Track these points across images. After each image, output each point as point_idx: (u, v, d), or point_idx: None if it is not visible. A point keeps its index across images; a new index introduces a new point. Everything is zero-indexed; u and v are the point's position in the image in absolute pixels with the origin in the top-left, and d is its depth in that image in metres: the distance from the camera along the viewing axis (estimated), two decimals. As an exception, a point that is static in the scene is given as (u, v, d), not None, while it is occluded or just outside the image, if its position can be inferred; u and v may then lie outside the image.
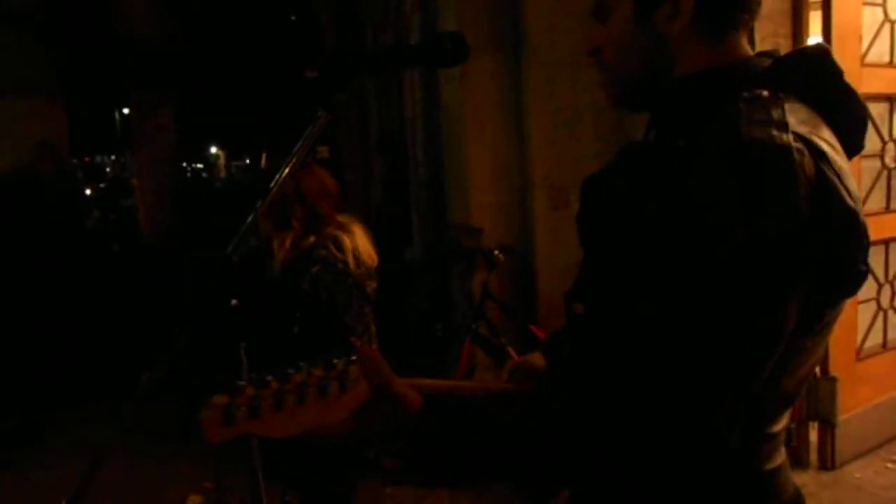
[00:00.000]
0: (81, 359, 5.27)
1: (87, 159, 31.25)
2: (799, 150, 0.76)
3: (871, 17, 3.19)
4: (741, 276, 0.73)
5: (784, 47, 2.87)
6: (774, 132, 0.77)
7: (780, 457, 0.91)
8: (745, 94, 0.82)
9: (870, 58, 3.18)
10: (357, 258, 2.39)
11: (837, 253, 0.78)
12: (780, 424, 0.90)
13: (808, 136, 0.79)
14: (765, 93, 0.82)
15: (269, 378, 0.86)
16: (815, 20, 2.98)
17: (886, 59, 3.28)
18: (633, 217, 0.83)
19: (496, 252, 3.75)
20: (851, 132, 0.89)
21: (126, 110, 18.73)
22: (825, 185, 0.77)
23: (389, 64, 1.11)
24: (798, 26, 2.91)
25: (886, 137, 3.33)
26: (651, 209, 0.80)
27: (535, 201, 3.77)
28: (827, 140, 0.82)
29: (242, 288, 1.97)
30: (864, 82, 3.11)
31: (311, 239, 2.36)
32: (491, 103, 3.84)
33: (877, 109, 3.29)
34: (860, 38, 3.10)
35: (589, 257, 0.96)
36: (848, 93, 0.90)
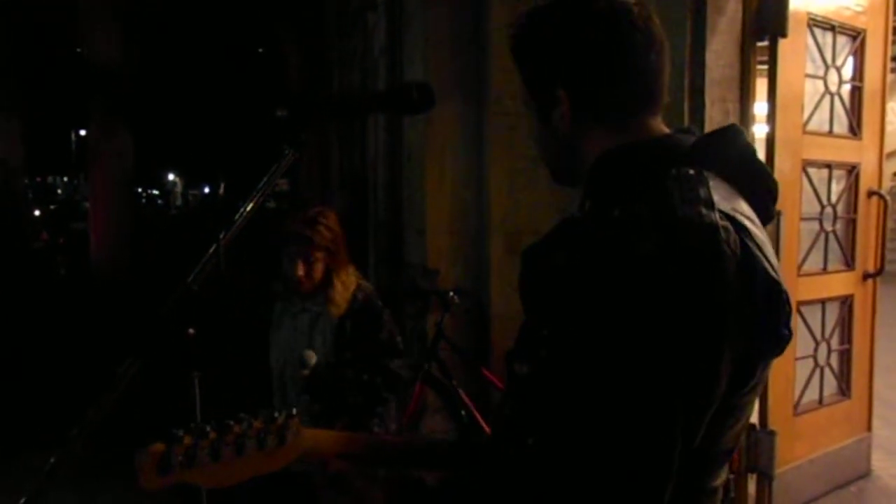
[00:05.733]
0: (22, 388, 5.08)
1: (37, 179, 30.46)
2: (725, 228, 0.83)
3: (812, 88, 3.37)
4: (677, 346, 0.78)
5: (732, 112, 3.02)
6: (703, 210, 0.83)
7: None
8: (674, 171, 0.88)
9: (811, 126, 3.35)
10: None
11: (762, 319, 0.85)
12: (720, 479, 0.94)
13: (731, 212, 0.86)
14: (691, 171, 0.88)
15: (208, 428, 0.87)
16: (761, 86, 3.15)
17: (826, 128, 3.46)
18: (570, 289, 0.87)
19: (451, 293, 3.79)
20: (763, 203, 0.98)
21: (83, 132, 18.40)
22: (749, 258, 0.84)
23: (357, 109, 1.15)
24: (745, 92, 3.06)
25: (825, 202, 3.50)
26: (587, 281, 0.84)
27: (491, 245, 3.84)
28: (747, 214, 0.89)
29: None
30: (804, 149, 3.28)
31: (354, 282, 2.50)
32: (452, 148, 3.93)
33: (817, 175, 3.46)
34: (802, 108, 3.28)
35: (529, 322, 1.01)
36: (760, 168, 0.99)
